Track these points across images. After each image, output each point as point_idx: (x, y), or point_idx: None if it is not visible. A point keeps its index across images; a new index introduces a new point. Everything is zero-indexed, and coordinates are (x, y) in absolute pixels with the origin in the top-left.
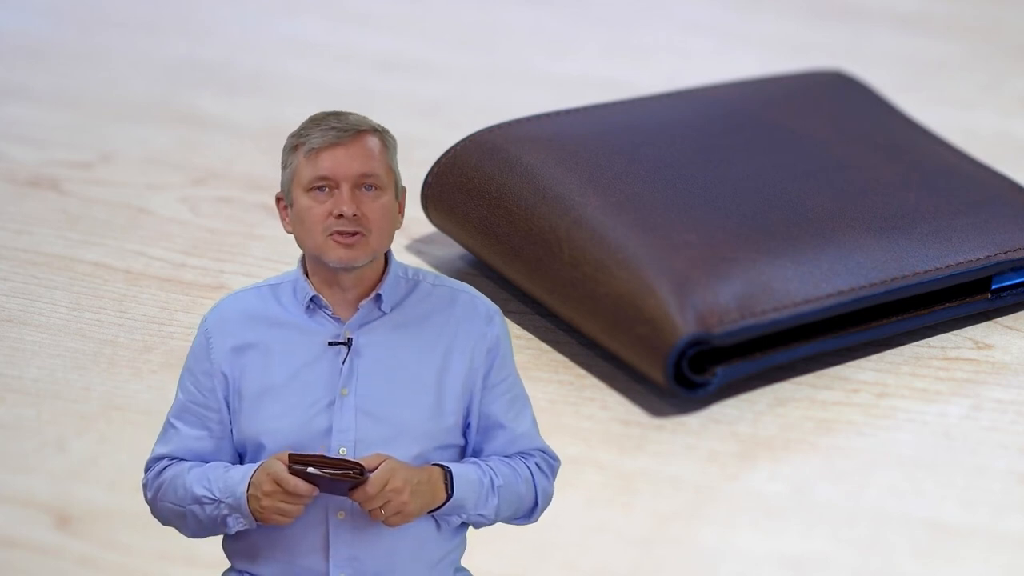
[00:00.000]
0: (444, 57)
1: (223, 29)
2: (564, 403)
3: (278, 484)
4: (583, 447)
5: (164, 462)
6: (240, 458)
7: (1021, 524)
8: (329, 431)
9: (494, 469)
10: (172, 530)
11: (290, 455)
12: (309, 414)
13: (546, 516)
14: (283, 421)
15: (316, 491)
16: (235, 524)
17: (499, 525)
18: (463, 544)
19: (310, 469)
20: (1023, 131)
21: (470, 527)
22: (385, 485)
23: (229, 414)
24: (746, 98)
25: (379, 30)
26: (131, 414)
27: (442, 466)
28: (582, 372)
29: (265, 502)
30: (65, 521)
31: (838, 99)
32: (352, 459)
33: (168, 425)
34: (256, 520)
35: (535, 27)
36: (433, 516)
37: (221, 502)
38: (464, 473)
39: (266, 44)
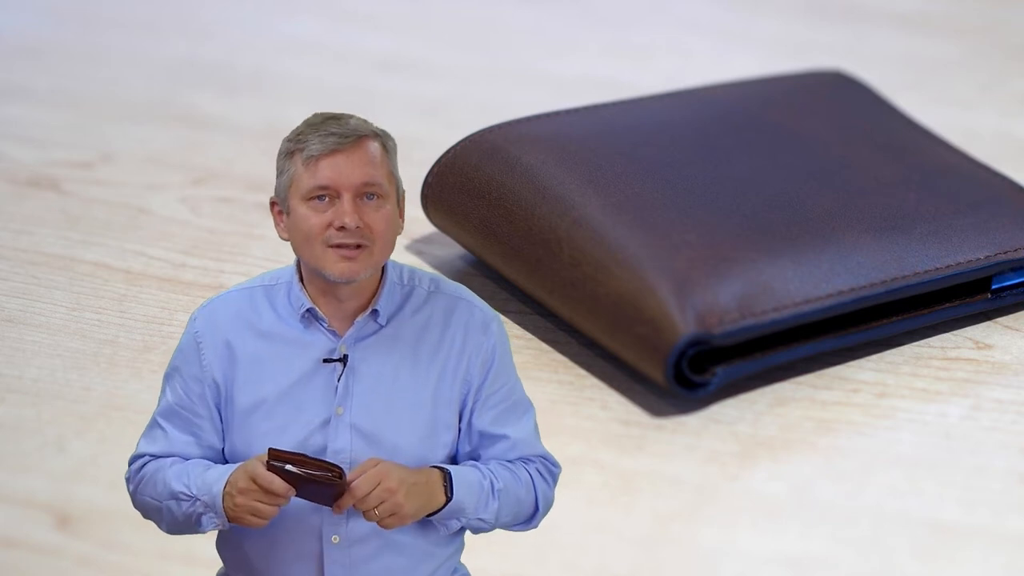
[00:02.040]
0: (444, 57)
1: (223, 29)
2: (564, 403)
3: (254, 481)
4: (583, 447)
5: (147, 458)
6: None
7: (1021, 524)
8: (324, 450)
9: (494, 472)
10: None
11: (270, 449)
12: (303, 433)
13: (546, 516)
14: (276, 439)
15: (292, 492)
16: (208, 523)
17: None
18: (461, 548)
19: (288, 467)
20: (1023, 131)
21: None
22: (378, 484)
23: (222, 422)
24: (746, 98)
25: (379, 30)
26: (131, 414)
27: (441, 468)
28: (582, 372)
29: (239, 499)
30: (65, 521)
31: (838, 99)
32: (333, 461)
33: (155, 424)
34: (229, 520)
35: (535, 27)
36: (432, 521)
37: (197, 499)
38: (463, 475)
39: (266, 44)
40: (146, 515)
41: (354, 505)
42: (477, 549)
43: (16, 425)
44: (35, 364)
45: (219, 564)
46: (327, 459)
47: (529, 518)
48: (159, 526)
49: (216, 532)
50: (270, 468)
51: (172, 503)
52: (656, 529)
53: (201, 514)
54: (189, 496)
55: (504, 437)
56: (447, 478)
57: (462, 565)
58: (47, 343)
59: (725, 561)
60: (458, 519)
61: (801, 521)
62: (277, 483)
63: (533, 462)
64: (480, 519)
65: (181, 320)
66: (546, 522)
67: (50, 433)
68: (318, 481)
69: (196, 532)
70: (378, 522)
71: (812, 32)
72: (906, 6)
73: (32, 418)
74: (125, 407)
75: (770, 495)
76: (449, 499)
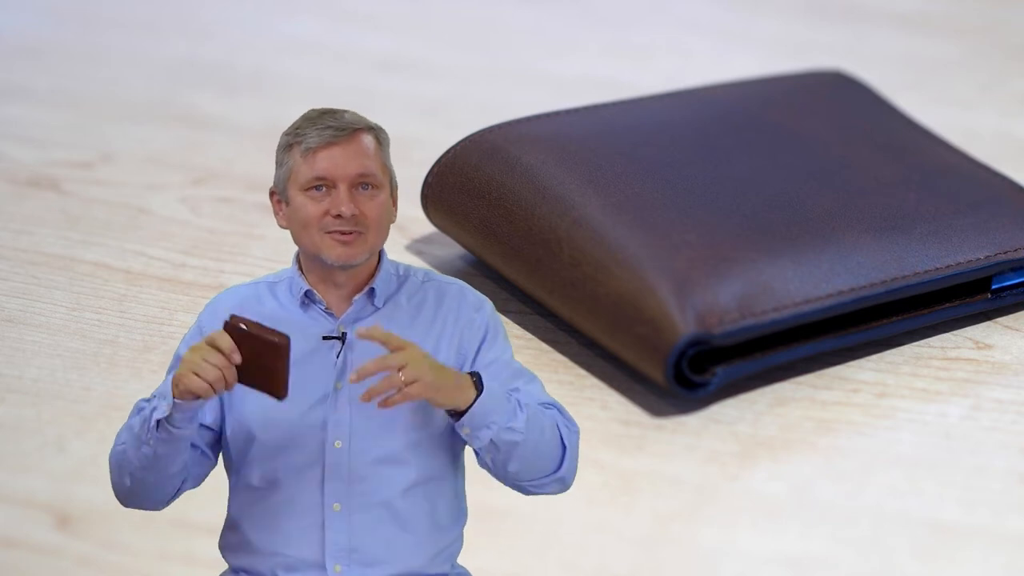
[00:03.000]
0: (444, 57)
1: (223, 29)
2: (564, 403)
3: (207, 341)
4: (583, 447)
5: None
6: (224, 453)
7: (1021, 524)
8: (324, 424)
9: (517, 395)
10: (172, 530)
11: (231, 315)
12: (303, 407)
13: (546, 516)
14: (277, 414)
15: (236, 353)
16: (159, 411)
17: (500, 521)
18: (460, 540)
19: (241, 325)
20: (1023, 131)
21: (466, 524)
22: (407, 346)
23: (221, 408)
24: (746, 98)
25: (379, 30)
26: None
27: (470, 372)
28: (582, 372)
29: (186, 356)
30: (65, 521)
31: (838, 99)
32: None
33: (143, 401)
34: (176, 393)
35: (535, 27)
36: (459, 431)
37: (153, 397)
38: (490, 381)
39: (266, 44)
40: (117, 478)
41: (376, 362)
42: (477, 548)
43: (16, 425)
44: (35, 364)
45: (219, 565)
46: (328, 432)
47: (557, 464)
48: (122, 480)
49: (219, 532)
50: (225, 328)
51: (133, 420)
52: (656, 529)
53: (155, 408)
54: (148, 400)
55: (514, 389)
56: (476, 378)
57: (461, 565)
58: (47, 343)
59: (725, 561)
60: (488, 426)
61: (801, 521)
62: (225, 339)
63: (551, 407)
64: (510, 428)
65: (181, 320)
66: (546, 521)
67: (50, 433)
68: (264, 341)
69: (149, 446)
70: (398, 388)
71: (812, 32)
72: (906, 6)
73: (32, 418)
74: (125, 407)
75: (770, 495)
76: (479, 392)
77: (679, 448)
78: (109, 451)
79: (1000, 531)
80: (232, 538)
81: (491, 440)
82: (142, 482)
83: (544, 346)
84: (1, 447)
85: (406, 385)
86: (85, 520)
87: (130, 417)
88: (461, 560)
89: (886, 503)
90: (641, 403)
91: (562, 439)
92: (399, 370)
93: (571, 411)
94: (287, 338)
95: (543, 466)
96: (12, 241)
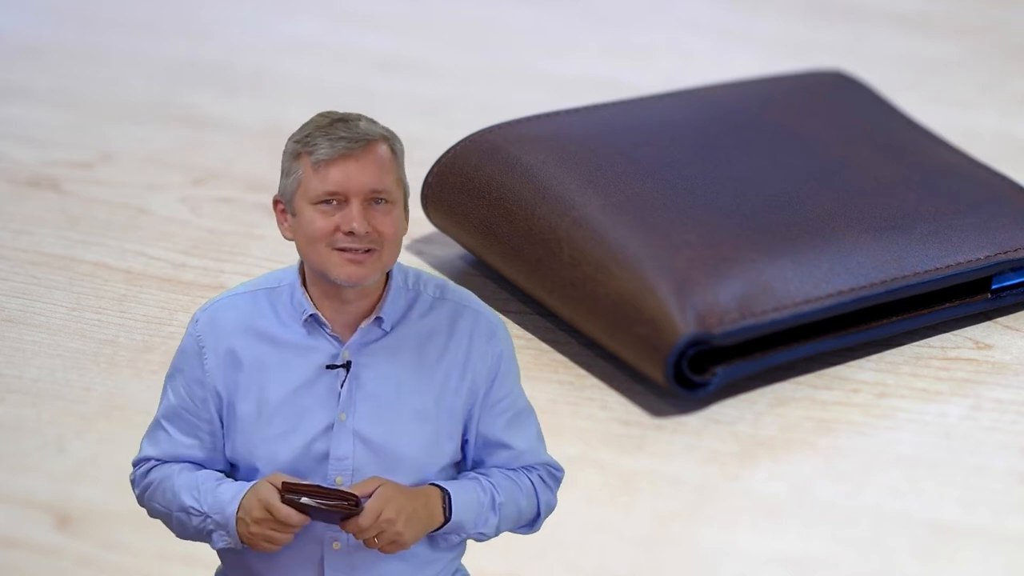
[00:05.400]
0: (444, 57)
1: (223, 29)
2: (564, 403)
3: (269, 512)
4: (583, 447)
5: (152, 462)
6: (233, 469)
7: (1021, 524)
8: (326, 457)
9: (495, 485)
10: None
11: (284, 483)
12: (306, 439)
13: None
14: (279, 445)
15: (307, 520)
16: (220, 540)
17: None
18: (462, 552)
19: (304, 499)
20: (1023, 131)
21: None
22: (379, 516)
23: (223, 427)
24: (746, 98)
25: (379, 30)
26: (131, 414)
27: (440, 488)
28: (582, 372)
29: (254, 528)
30: (65, 521)
31: (838, 99)
32: (347, 489)
33: (158, 426)
34: (243, 543)
35: (535, 27)
36: (430, 536)
37: (208, 516)
38: (463, 494)
39: (266, 44)
40: (153, 517)
41: (354, 534)
42: (477, 549)
43: (16, 425)
44: (35, 364)
45: (219, 564)
46: (330, 467)
47: (531, 523)
48: (168, 528)
49: None
50: (285, 501)
51: (182, 515)
52: (656, 529)
53: (212, 531)
54: (199, 512)
55: (509, 447)
56: (445, 498)
57: (462, 566)
58: (47, 343)
59: (725, 561)
60: (457, 534)
61: (801, 521)
62: (294, 516)
63: (537, 469)
64: (480, 532)
65: (181, 320)
66: (546, 522)
67: (50, 433)
68: (333, 510)
69: (207, 543)
70: (379, 549)
71: (812, 32)
72: (906, 6)
73: (32, 418)
74: (125, 407)
75: (770, 495)
76: (447, 520)
77: (679, 448)
78: (136, 491)
79: (1000, 531)
80: (230, 557)
81: (461, 539)
82: (188, 539)
83: (544, 346)
84: (1, 447)
85: (383, 548)
86: (85, 520)
87: (172, 508)
88: (462, 561)
89: (886, 503)
90: (641, 403)
91: (538, 507)
92: (376, 536)
93: (571, 411)
94: (357, 501)
95: (512, 530)
96: (12, 241)
